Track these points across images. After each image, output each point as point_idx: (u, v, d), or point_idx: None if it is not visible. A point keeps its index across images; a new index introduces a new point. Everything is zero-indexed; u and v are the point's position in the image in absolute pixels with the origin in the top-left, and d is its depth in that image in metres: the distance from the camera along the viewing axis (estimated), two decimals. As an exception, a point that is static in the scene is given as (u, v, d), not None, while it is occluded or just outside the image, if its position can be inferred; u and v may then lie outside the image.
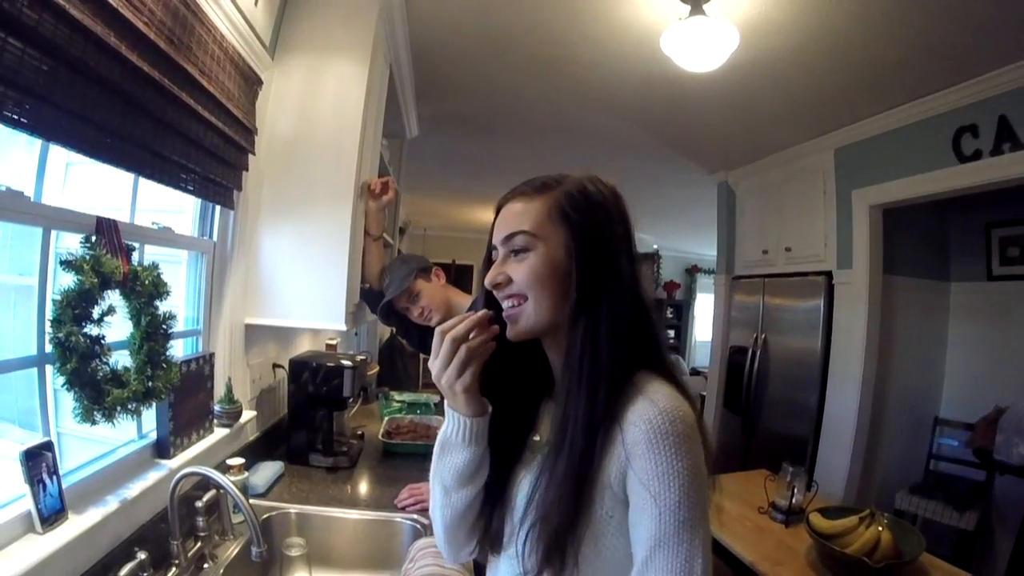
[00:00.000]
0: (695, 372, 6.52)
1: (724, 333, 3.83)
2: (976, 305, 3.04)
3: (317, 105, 1.60)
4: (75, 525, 0.85)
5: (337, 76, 1.61)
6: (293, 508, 1.39)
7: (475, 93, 2.72)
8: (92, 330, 0.86)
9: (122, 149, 0.95)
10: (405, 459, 1.85)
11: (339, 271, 1.57)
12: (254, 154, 1.48)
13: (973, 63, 2.06)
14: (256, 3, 1.41)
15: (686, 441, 0.57)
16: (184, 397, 1.20)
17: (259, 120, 1.50)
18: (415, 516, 1.39)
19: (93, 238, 0.90)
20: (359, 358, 1.78)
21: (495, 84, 2.57)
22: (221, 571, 1.09)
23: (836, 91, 2.40)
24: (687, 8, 1.75)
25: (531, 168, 0.81)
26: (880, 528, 1.57)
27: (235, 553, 1.15)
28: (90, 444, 1.05)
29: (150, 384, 1.00)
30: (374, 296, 1.77)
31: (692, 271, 8.05)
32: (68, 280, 0.84)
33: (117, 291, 0.94)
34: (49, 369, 0.87)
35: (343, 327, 1.59)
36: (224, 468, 1.20)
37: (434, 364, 0.64)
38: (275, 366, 1.85)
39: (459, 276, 6.33)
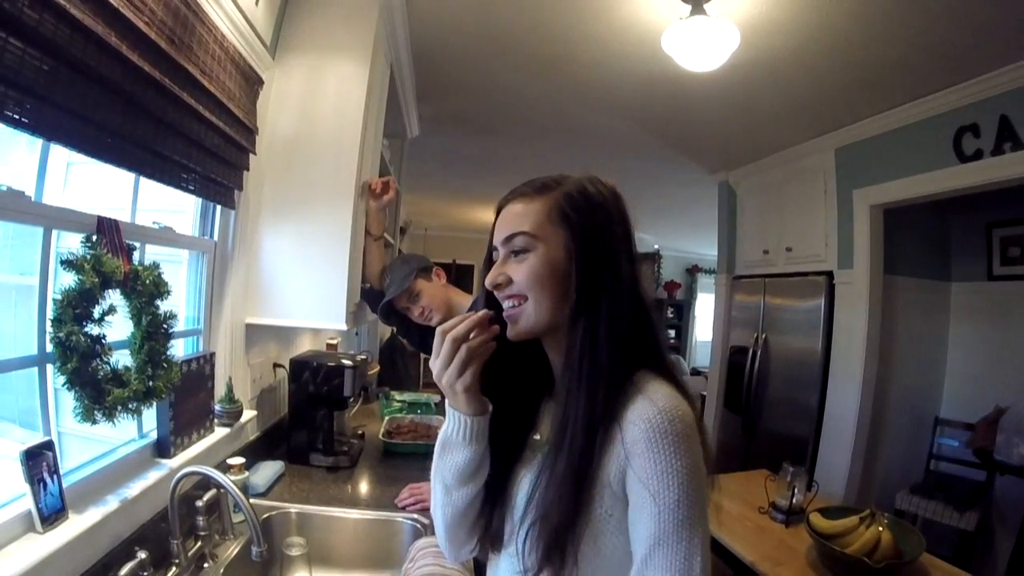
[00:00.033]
0: (696, 372, 6.53)
1: (725, 333, 3.83)
2: (977, 305, 3.04)
3: (318, 105, 1.60)
4: (75, 524, 0.85)
5: (338, 76, 1.61)
6: (293, 508, 1.39)
7: (476, 93, 2.72)
8: (93, 330, 0.86)
9: (123, 149, 0.95)
10: (405, 459, 1.85)
11: (340, 271, 1.57)
12: (255, 154, 1.49)
13: (974, 63, 2.06)
14: (257, 3, 1.41)
15: (685, 440, 0.57)
16: (185, 397, 1.20)
17: (260, 120, 1.50)
18: (415, 516, 1.39)
19: (94, 238, 0.90)
20: (360, 358, 1.78)
21: (496, 84, 2.57)
22: (221, 571, 1.09)
23: (836, 91, 2.40)
24: (688, 8, 1.75)
25: (532, 168, 0.81)
26: (880, 528, 1.57)
27: (235, 553, 1.15)
28: (90, 443, 1.05)
29: (151, 383, 1.00)
30: (375, 296, 1.77)
31: (693, 271, 8.05)
32: (69, 280, 0.84)
33: (118, 291, 0.94)
34: (50, 368, 0.87)
35: (344, 327, 1.59)
36: (224, 467, 1.20)
37: (435, 364, 0.64)
38: (276, 366, 1.85)
39: (460, 276, 6.34)
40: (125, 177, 1.10)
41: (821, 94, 2.45)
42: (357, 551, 1.38)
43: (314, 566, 1.29)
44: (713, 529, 0.62)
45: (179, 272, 1.40)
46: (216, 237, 1.48)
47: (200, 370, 1.29)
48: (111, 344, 0.90)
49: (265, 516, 1.33)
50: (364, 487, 1.61)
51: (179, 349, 1.37)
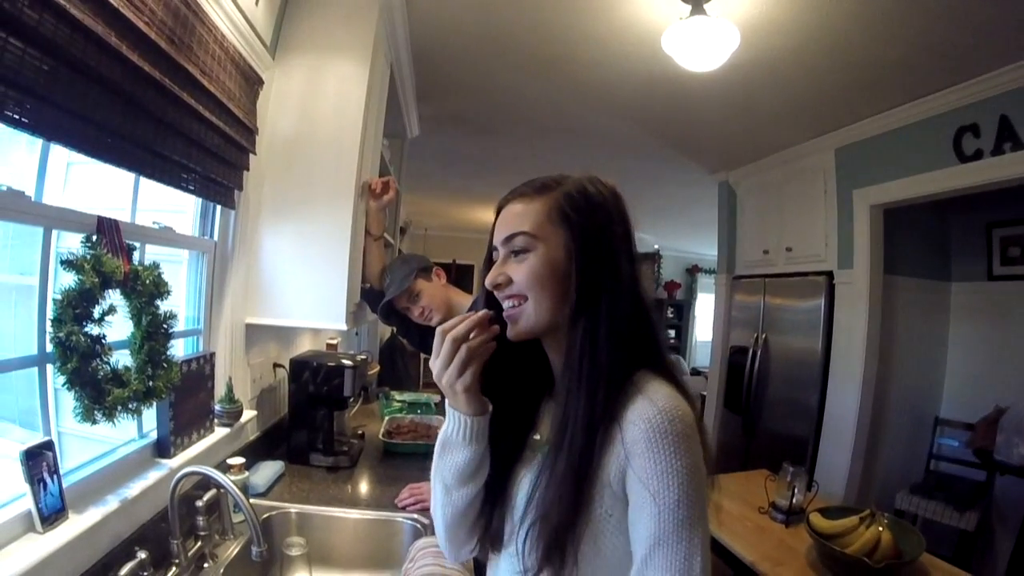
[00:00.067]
0: (696, 372, 6.53)
1: (725, 333, 3.83)
2: (977, 305, 3.04)
3: (318, 105, 1.60)
4: (75, 524, 0.85)
5: (338, 76, 1.61)
6: (293, 508, 1.39)
7: (476, 93, 2.72)
8: (93, 329, 0.86)
9: (123, 149, 0.95)
10: (405, 459, 1.85)
11: (340, 271, 1.57)
12: (255, 154, 1.49)
13: (974, 63, 2.06)
14: (257, 3, 1.41)
15: (685, 440, 0.57)
16: (185, 396, 1.20)
17: (260, 120, 1.50)
18: (415, 516, 1.39)
19: (94, 238, 0.90)
20: (360, 358, 1.78)
21: (496, 83, 2.57)
22: (221, 571, 1.09)
23: (837, 91, 2.40)
24: (688, 7, 1.75)
25: (532, 168, 0.82)
26: (880, 528, 1.57)
27: (235, 552, 1.15)
28: (90, 443, 1.05)
29: (151, 383, 1.00)
30: (375, 296, 1.77)
31: (693, 271, 8.05)
32: (69, 280, 0.84)
33: (118, 291, 0.94)
34: (50, 368, 0.87)
35: (344, 327, 1.59)
36: (224, 467, 1.20)
37: (435, 364, 0.64)
38: (276, 366, 1.85)
39: (460, 276, 6.34)
40: (125, 177, 1.10)
41: (821, 94, 2.45)
42: (357, 551, 1.38)
43: (314, 566, 1.29)
44: (713, 529, 0.62)
45: (179, 272, 1.40)
46: (216, 237, 1.48)
47: (200, 370, 1.29)
48: (111, 344, 0.90)
49: (265, 516, 1.33)
50: (364, 487, 1.61)
51: (179, 349, 1.37)
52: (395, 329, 2.49)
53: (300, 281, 1.57)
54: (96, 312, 0.86)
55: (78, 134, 0.84)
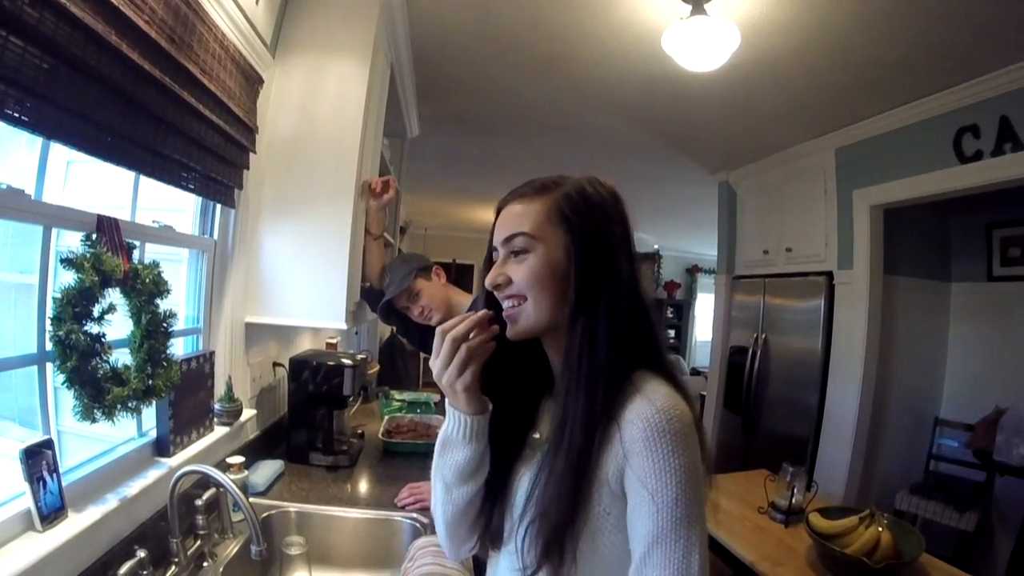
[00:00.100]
0: (695, 372, 6.53)
1: (724, 333, 3.83)
2: (976, 305, 3.04)
3: (318, 104, 1.60)
4: (75, 523, 0.85)
5: (338, 75, 1.61)
6: (293, 507, 1.39)
7: (476, 92, 2.72)
8: (92, 328, 0.86)
9: (123, 147, 0.95)
10: (405, 458, 1.85)
11: (339, 270, 1.57)
12: (255, 153, 1.49)
13: (974, 63, 2.06)
14: (257, 2, 1.41)
15: (683, 439, 0.57)
16: (184, 395, 1.20)
17: (260, 119, 1.50)
18: (415, 515, 1.39)
19: (94, 236, 0.90)
20: (359, 357, 1.78)
21: (496, 83, 2.57)
22: (221, 569, 1.09)
23: (837, 91, 2.40)
24: (688, 7, 1.75)
25: (532, 168, 0.82)
26: (880, 528, 1.57)
27: (235, 551, 1.15)
28: (90, 442, 1.05)
29: (150, 382, 1.00)
30: (374, 295, 1.77)
31: (692, 271, 8.05)
32: (69, 278, 0.84)
33: (118, 289, 0.94)
34: (49, 367, 0.87)
35: (343, 326, 1.59)
36: (224, 466, 1.20)
37: (435, 363, 0.64)
38: (275, 365, 1.85)
39: (459, 275, 6.33)
40: (125, 176, 1.10)
41: (821, 94, 2.45)
42: (357, 550, 1.38)
43: (313, 565, 1.30)
44: (712, 529, 0.62)
45: (179, 271, 1.40)
46: (216, 236, 1.48)
47: (200, 369, 1.29)
48: (111, 343, 0.90)
49: (264, 515, 1.33)
50: (364, 486, 1.61)
51: (179, 348, 1.37)
52: (395, 328, 2.49)
53: (300, 280, 1.57)
54: (96, 311, 0.86)
55: (78, 133, 0.84)
